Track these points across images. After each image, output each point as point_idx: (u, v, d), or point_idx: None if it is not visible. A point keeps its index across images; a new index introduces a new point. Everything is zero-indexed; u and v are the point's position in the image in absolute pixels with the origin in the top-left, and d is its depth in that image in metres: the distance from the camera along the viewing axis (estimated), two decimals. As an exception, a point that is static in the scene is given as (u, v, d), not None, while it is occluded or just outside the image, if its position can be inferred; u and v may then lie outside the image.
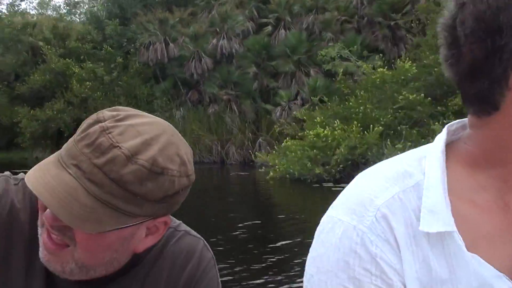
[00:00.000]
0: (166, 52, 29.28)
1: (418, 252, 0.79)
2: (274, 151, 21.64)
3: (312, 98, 23.88)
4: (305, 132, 19.63)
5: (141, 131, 0.95)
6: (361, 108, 19.27)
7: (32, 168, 0.97)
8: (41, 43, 34.05)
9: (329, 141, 18.26)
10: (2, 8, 47.67)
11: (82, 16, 46.11)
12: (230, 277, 7.82)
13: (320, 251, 0.82)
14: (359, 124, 18.35)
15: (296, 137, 20.68)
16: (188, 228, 1.21)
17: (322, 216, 0.85)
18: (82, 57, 32.23)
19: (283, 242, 10.15)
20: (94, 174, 0.91)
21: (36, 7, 53.91)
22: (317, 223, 0.85)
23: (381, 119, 18.39)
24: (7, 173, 1.13)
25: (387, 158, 0.91)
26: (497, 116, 0.78)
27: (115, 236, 0.98)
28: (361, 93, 20.13)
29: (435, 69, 17.56)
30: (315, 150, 18.26)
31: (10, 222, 1.05)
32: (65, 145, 0.98)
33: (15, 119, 31.70)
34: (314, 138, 18.49)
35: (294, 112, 23.90)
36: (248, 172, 23.53)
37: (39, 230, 1.02)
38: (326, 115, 20.48)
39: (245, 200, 17.25)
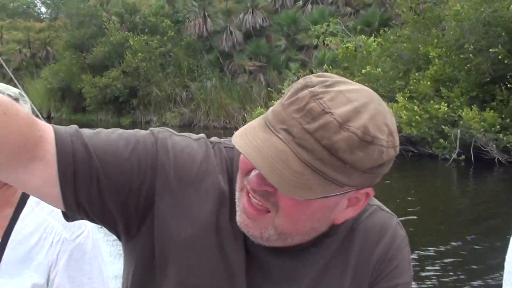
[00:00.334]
0: (205, 26, 31.88)
1: None
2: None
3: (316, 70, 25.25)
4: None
5: (350, 98, 0.92)
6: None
7: (237, 132, 0.98)
8: (114, 17, 38.35)
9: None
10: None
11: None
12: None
13: None
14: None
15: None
16: (379, 203, 1.17)
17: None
18: (143, 29, 35.84)
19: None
20: (305, 140, 0.90)
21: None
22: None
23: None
24: (202, 135, 1.13)
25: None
26: None
27: (320, 204, 0.97)
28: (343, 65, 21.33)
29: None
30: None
31: (211, 187, 1.05)
32: (271, 109, 0.97)
33: (80, 86, 36.24)
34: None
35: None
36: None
37: (237, 195, 1.02)
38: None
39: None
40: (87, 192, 0.99)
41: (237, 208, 1.02)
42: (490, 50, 14.93)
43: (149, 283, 1.08)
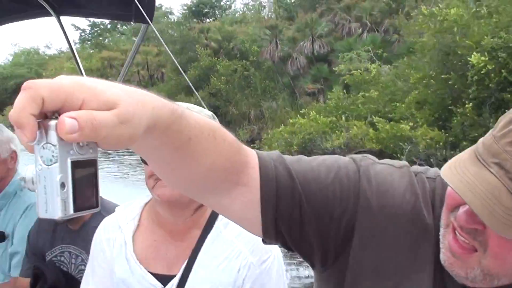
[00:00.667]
0: (275, 53, 35.83)
1: None
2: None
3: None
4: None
5: None
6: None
7: (446, 165, 0.94)
8: (213, 44, 43.76)
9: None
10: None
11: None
12: None
13: None
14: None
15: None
16: None
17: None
18: (235, 54, 40.70)
19: None
20: None
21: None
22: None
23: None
24: (405, 162, 1.09)
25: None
26: None
27: None
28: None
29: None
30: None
31: (414, 218, 1.00)
32: (481, 140, 0.93)
33: (175, 105, 41.75)
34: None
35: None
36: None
37: (442, 231, 0.98)
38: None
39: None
40: (288, 218, 0.99)
41: (441, 245, 0.98)
42: (442, 76, 16.91)
43: None
